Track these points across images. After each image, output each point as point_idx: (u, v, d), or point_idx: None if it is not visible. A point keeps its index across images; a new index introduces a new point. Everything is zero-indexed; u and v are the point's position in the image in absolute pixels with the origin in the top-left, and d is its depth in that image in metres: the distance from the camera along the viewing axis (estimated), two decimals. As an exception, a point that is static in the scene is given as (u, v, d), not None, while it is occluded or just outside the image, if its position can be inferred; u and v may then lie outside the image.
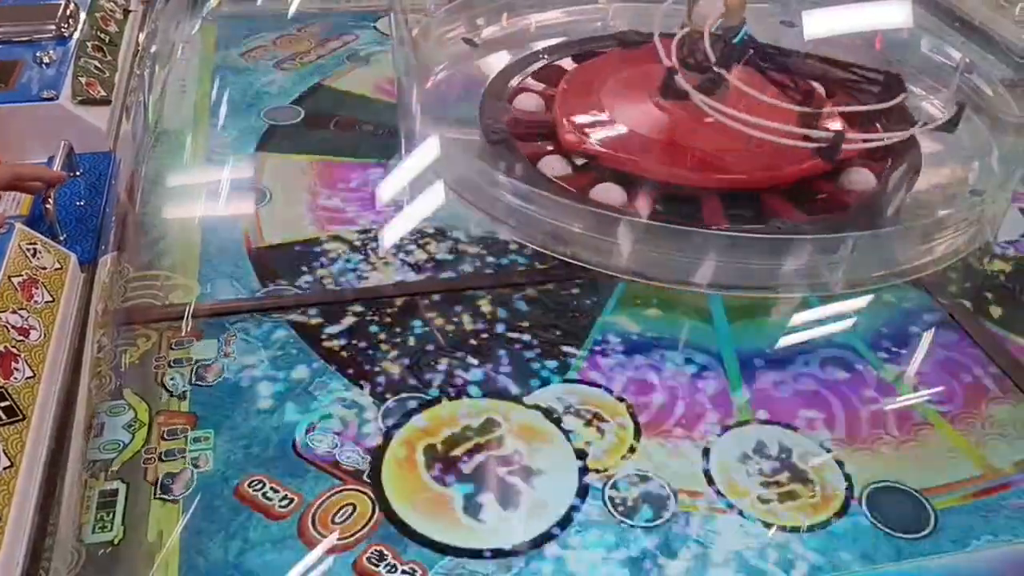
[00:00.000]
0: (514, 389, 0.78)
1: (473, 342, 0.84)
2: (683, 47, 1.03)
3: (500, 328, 0.85)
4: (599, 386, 0.80)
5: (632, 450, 0.73)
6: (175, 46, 1.36)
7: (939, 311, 0.90)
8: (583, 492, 0.70)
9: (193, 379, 0.78)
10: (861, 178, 1.00)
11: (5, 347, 0.67)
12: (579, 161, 1.01)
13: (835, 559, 0.66)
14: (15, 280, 0.72)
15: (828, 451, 0.74)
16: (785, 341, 0.87)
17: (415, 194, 1.03)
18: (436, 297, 0.89)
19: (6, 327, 0.68)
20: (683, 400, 0.79)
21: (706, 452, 0.74)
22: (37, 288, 0.74)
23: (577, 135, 1.01)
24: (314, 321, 0.85)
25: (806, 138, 0.96)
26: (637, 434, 0.75)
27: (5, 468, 0.61)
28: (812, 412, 0.78)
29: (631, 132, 1.02)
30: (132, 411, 0.75)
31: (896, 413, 0.79)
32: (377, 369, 0.80)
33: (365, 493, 0.69)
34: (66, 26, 1.15)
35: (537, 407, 0.77)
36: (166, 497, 0.68)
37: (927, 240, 0.92)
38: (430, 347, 0.83)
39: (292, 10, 1.47)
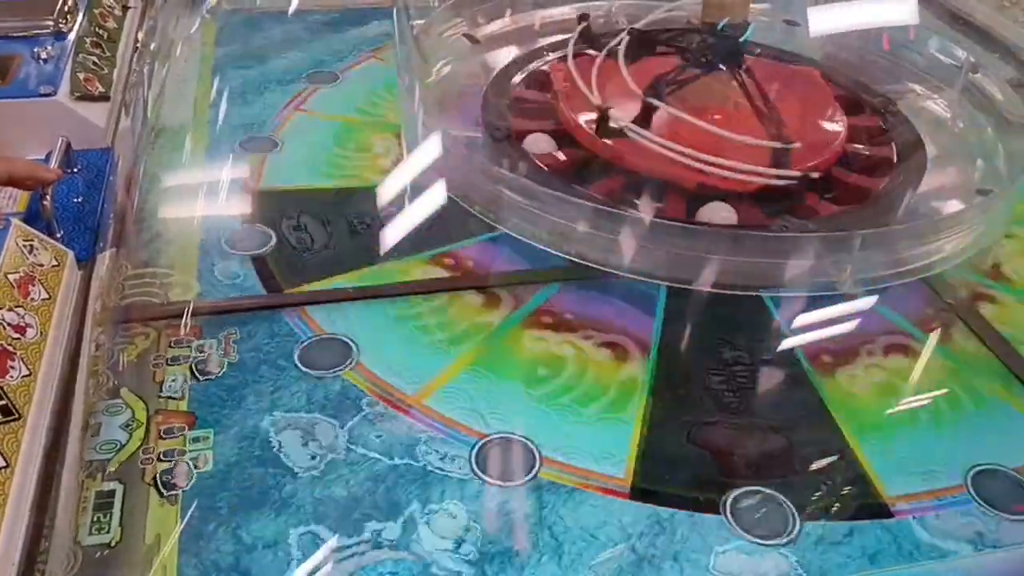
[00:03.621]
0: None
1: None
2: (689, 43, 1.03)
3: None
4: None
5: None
6: (174, 43, 1.35)
7: (946, 310, 0.90)
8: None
9: (192, 378, 0.77)
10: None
11: (1, 345, 0.66)
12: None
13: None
14: (11, 277, 0.71)
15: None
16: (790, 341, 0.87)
17: (416, 192, 1.01)
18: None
19: (2, 324, 0.67)
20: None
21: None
22: (34, 285, 0.73)
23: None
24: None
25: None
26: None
27: (0, 468, 0.60)
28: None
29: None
30: (129, 410, 0.74)
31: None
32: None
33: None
34: (64, 21, 1.14)
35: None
36: (164, 498, 0.67)
37: (934, 239, 0.91)
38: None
39: (293, 7, 1.46)
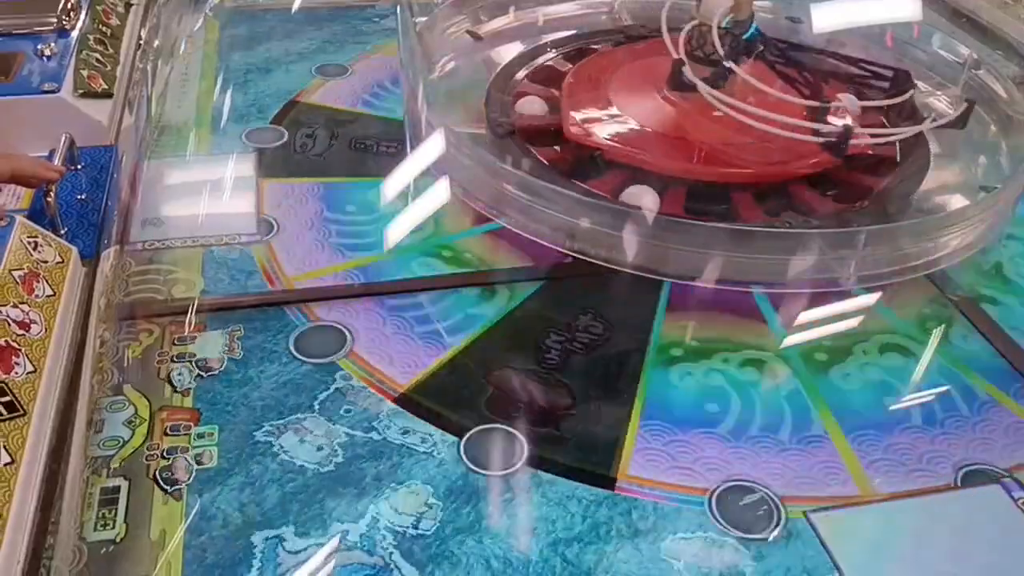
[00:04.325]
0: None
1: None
2: (691, 41, 1.02)
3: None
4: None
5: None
6: (177, 40, 1.35)
7: (949, 306, 0.90)
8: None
9: (197, 374, 0.77)
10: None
11: (6, 341, 0.66)
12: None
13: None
14: (16, 274, 0.71)
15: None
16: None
17: (420, 187, 1.02)
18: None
19: (7, 321, 0.67)
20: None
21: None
22: (38, 282, 0.73)
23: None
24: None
25: (815, 132, 0.95)
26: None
27: (6, 464, 0.60)
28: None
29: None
30: (132, 407, 0.74)
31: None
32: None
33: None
34: (67, 19, 1.14)
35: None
36: (169, 494, 0.67)
37: (938, 235, 0.91)
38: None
39: (296, 5, 1.46)
